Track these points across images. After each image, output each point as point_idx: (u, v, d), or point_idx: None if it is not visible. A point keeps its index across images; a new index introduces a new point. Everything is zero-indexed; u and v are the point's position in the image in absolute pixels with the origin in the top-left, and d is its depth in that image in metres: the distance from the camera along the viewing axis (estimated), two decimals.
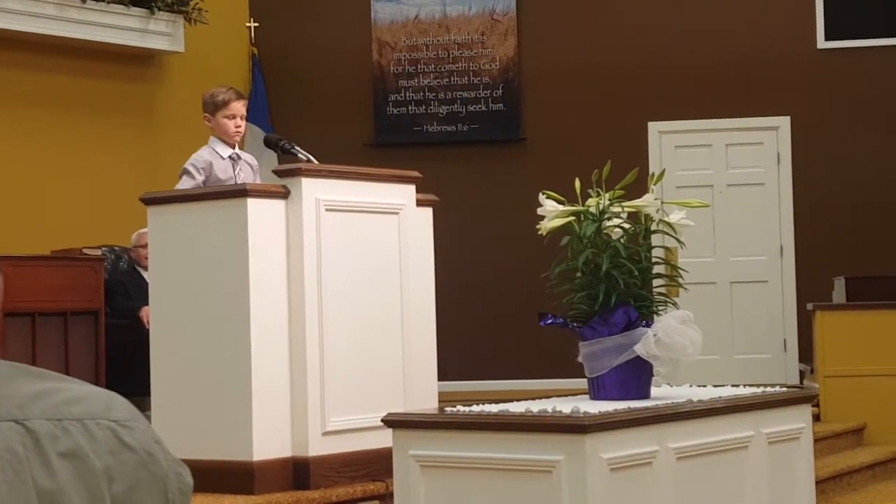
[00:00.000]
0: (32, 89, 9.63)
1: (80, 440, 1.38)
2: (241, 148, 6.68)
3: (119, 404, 1.45)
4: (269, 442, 5.46)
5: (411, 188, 6.05)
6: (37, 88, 9.65)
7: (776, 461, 4.55)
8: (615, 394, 4.38)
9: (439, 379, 6.23)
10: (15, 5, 9.14)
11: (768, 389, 4.85)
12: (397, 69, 11.19)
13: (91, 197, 9.79)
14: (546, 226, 4.54)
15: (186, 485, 1.48)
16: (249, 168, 6.47)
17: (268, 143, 6.69)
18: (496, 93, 11.12)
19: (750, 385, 5.05)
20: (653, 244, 4.59)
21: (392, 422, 4.20)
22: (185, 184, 6.21)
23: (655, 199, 4.62)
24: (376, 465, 5.55)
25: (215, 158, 6.32)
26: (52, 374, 1.46)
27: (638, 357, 4.35)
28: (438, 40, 11.20)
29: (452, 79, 11.17)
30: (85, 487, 1.36)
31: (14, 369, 1.44)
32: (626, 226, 4.53)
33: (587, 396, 4.52)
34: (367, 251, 5.80)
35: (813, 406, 5.38)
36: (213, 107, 6.37)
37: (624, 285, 4.39)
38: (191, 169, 6.26)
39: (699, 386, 5.03)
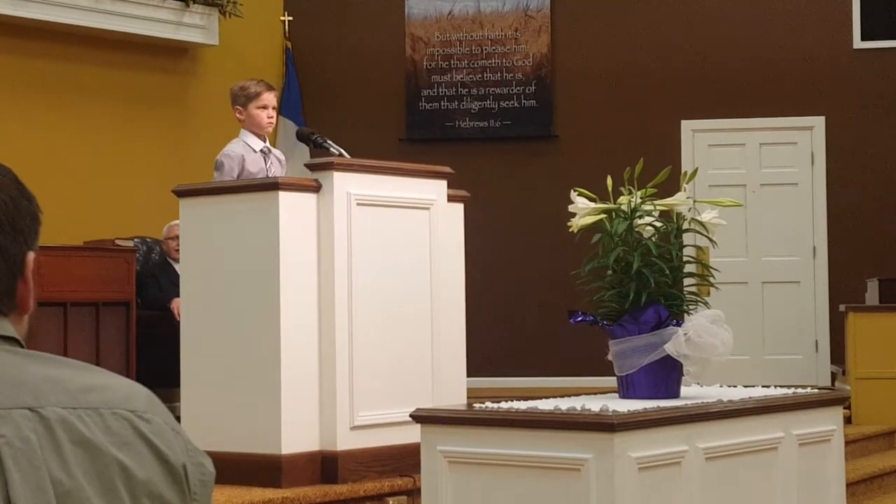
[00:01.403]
0: (67, 80, 9.67)
1: (95, 429, 1.37)
2: (272, 141, 6.70)
3: (139, 394, 1.43)
4: (297, 436, 5.47)
5: (443, 183, 6.05)
6: (71, 79, 9.69)
7: (806, 463, 4.52)
8: (644, 392, 4.37)
9: (468, 375, 6.23)
10: None
11: (799, 391, 4.82)
12: (430, 64, 11.19)
13: (124, 188, 9.83)
14: (577, 223, 4.53)
15: (209, 474, 1.47)
16: (279, 163, 6.50)
17: (300, 137, 6.70)
18: (529, 89, 11.10)
19: (780, 386, 5.03)
20: (684, 243, 4.57)
21: (420, 417, 4.20)
22: (220, 177, 6.23)
23: (688, 197, 4.60)
24: (404, 460, 5.55)
25: (247, 152, 6.34)
26: (72, 362, 1.45)
27: (668, 356, 4.34)
28: (472, 36, 11.19)
29: (485, 75, 11.16)
30: (97, 476, 1.35)
31: (31, 356, 1.43)
32: (658, 224, 4.51)
33: (616, 395, 4.50)
34: (398, 246, 5.80)
35: (844, 408, 5.34)
36: (245, 98, 6.39)
37: (655, 284, 4.38)
38: (225, 161, 6.28)
39: (729, 386, 5.01)
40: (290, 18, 11.25)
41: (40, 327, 7.73)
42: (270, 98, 6.43)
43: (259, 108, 6.37)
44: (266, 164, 6.37)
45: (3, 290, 1.45)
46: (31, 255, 1.48)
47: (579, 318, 4.50)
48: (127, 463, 1.38)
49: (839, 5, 10.75)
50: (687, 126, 10.85)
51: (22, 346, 1.46)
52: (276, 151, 6.59)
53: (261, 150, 6.39)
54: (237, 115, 6.43)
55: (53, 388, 1.37)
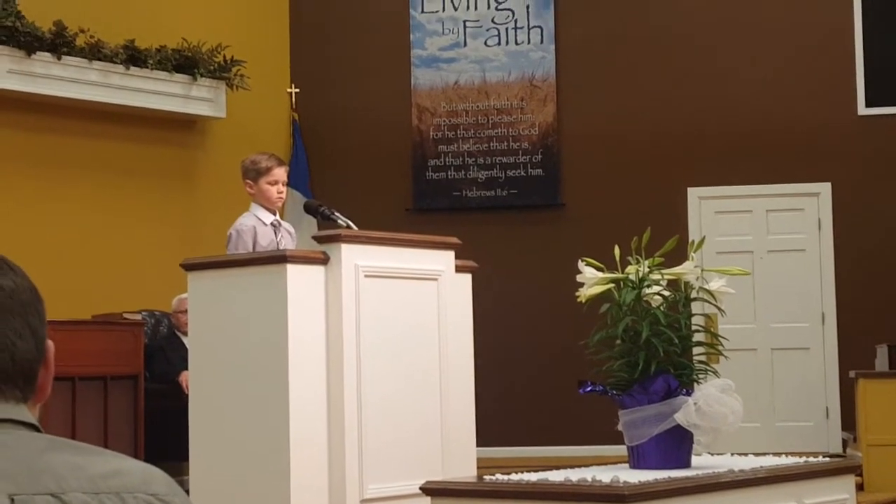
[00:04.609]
0: (75, 154, 9.72)
1: None
2: (281, 213, 6.73)
3: (158, 478, 1.45)
4: None
5: (450, 254, 6.05)
6: (79, 154, 9.75)
7: None
8: (655, 463, 4.35)
9: (478, 445, 6.20)
10: (59, 72, 9.26)
11: (811, 459, 4.80)
12: (437, 134, 11.24)
13: (132, 261, 9.85)
14: (585, 293, 4.53)
15: None
16: (289, 235, 6.51)
17: (308, 209, 6.72)
18: (535, 158, 11.14)
19: (791, 454, 5.01)
20: (693, 312, 4.57)
21: (431, 490, 4.19)
22: (233, 250, 6.25)
23: (695, 266, 4.61)
24: None
25: (258, 225, 6.37)
26: (90, 448, 1.46)
27: (678, 426, 4.32)
28: (478, 106, 11.26)
29: (492, 144, 11.21)
30: None
31: (51, 442, 1.44)
32: (666, 293, 4.52)
33: (627, 465, 4.49)
34: (406, 318, 5.80)
35: (856, 476, 5.31)
36: (256, 173, 6.42)
37: (664, 353, 4.37)
38: (238, 235, 6.31)
39: (740, 455, 4.99)
40: (297, 90, 11.33)
41: (48, 402, 7.71)
42: (281, 173, 6.47)
43: (269, 183, 6.41)
44: (277, 237, 6.39)
45: (29, 372, 1.47)
46: (50, 343, 1.51)
47: (589, 388, 4.49)
48: None
49: (843, 72, 10.81)
50: (693, 193, 10.88)
51: (40, 433, 1.47)
52: (286, 224, 6.61)
53: (271, 224, 6.42)
54: (248, 188, 6.46)
55: (75, 474, 1.38)
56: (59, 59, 9.23)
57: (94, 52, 9.45)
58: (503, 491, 4.04)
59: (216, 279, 5.76)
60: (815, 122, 10.80)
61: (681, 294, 4.55)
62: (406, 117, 11.28)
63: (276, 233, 6.42)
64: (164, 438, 7.93)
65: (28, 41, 9.03)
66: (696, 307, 4.61)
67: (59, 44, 9.22)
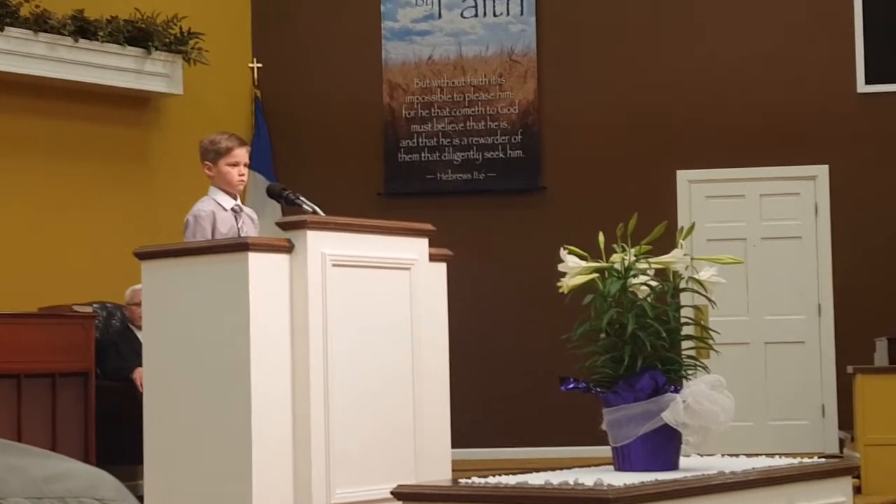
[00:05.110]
0: (19, 134, 9.69)
1: None
2: (242, 197, 6.72)
3: (106, 482, 1.45)
4: None
5: (423, 242, 6.06)
6: (24, 133, 9.71)
7: None
8: (641, 464, 4.37)
9: (453, 446, 6.22)
10: (2, 44, 9.22)
11: (805, 460, 4.83)
12: (409, 113, 11.25)
13: (82, 249, 9.82)
14: (568, 283, 4.54)
15: None
16: (251, 222, 6.52)
17: (271, 194, 6.70)
18: (515, 139, 11.16)
19: (785, 454, 5.04)
20: (682, 303, 4.59)
21: (403, 494, 4.20)
22: (192, 238, 6.24)
23: (685, 254, 4.62)
24: None
25: (218, 210, 6.36)
26: (35, 450, 1.46)
27: (665, 425, 4.35)
28: (453, 82, 11.26)
29: (468, 123, 11.22)
30: None
31: None
32: (654, 283, 4.53)
33: (611, 467, 4.51)
34: (377, 309, 5.80)
35: (853, 477, 5.35)
36: (215, 154, 6.42)
37: (651, 347, 4.39)
38: (197, 221, 6.30)
39: (731, 455, 5.02)
40: (260, 65, 11.31)
41: None
42: (242, 154, 6.46)
43: (230, 164, 6.41)
44: (238, 224, 6.39)
45: None
46: None
47: (571, 385, 4.51)
48: None
49: (842, 47, 10.84)
50: (683, 176, 10.91)
51: None
52: (247, 210, 6.62)
53: (231, 209, 6.42)
54: (206, 171, 6.46)
55: (16, 477, 1.39)
56: (1, 30, 9.19)
57: (40, 23, 9.41)
58: (480, 495, 4.05)
59: (172, 268, 5.75)
60: (812, 100, 10.84)
61: (669, 284, 4.57)
62: (376, 95, 11.27)
63: (236, 219, 6.42)
64: (116, 440, 7.93)
65: None
66: (685, 298, 4.63)
67: (1, 14, 9.17)
